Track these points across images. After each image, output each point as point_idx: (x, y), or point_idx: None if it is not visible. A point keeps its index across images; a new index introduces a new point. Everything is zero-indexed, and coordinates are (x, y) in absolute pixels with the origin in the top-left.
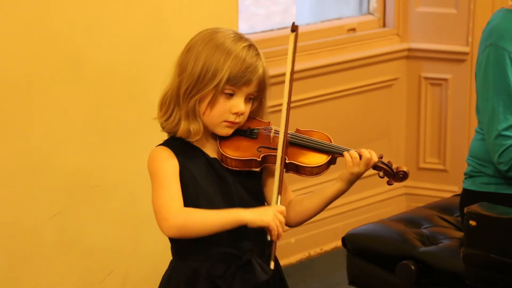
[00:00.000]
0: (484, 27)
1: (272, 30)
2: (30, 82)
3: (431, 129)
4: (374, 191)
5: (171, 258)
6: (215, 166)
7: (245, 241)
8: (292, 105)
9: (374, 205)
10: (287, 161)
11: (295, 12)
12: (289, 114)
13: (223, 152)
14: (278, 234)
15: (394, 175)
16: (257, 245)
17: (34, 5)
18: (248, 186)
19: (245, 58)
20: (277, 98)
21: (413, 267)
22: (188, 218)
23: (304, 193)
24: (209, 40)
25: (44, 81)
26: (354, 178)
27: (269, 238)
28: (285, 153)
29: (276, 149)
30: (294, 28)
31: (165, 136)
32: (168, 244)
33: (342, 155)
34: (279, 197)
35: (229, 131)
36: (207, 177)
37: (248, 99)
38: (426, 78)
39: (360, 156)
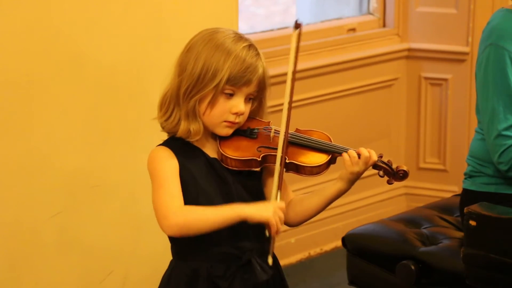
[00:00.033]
0: (484, 27)
1: (272, 30)
2: (30, 82)
3: (431, 129)
4: (374, 191)
5: (171, 258)
6: (215, 166)
7: (245, 241)
8: (292, 105)
9: (374, 205)
10: (287, 161)
11: (295, 12)
12: (291, 109)
13: (223, 152)
14: (277, 230)
15: (394, 174)
16: (257, 245)
17: (34, 5)
18: (248, 186)
19: (245, 58)
20: (277, 98)
21: (413, 267)
22: (188, 216)
23: (304, 193)
24: (209, 40)
25: (44, 81)
26: (354, 178)
27: (267, 234)
28: (285, 151)
29: (276, 148)
30: (297, 25)
31: (165, 136)
32: (168, 244)
33: (342, 154)
34: (279, 192)
35: (229, 131)
36: (207, 177)
37: (248, 99)
38: (426, 78)
39: (359, 155)
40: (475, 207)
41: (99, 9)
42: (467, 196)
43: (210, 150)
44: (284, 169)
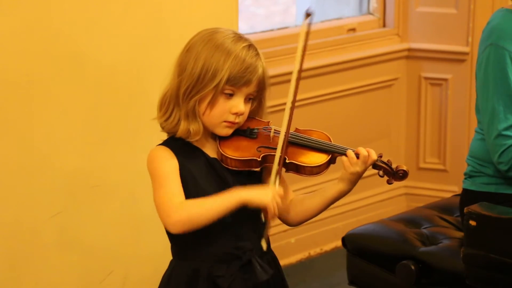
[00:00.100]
0: (484, 27)
1: (272, 30)
2: (30, 82)
3: (431, 129)
4: (374, 191)
5: (171, 258)
6: (215, 166)
7: (245, 241)
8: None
9: (374, 205)
10: (287, 161)
11: (295, 12)
12: (295, 101)
13: (223, 152)
14: (273, 215)
15: (393, 174)
16: (257, 245)
17: (34, 5)
18: (248, 186)
19: (244, 58)
20: (277, 98)
21: (413, 267)
22: (191, 210)
23: (304, 193)
24: (208, 40)
25: (44, 81)
26: (355, 178)
27: (263, 218)
28: (287, 135)
29: (276, 148)
30: (308, 14)
31: (165, 136)
32: (168, 244)
33: (342, 154)
34: (278, 177)
35: (229, 131)
36: (207, 177)
37: (247, 99)
38: (426, 78)
39: (358, 155)
40: (475, 207)
41: (99, 9)
42: (467, 196)
43: (210, 150)
44: (284, 168)
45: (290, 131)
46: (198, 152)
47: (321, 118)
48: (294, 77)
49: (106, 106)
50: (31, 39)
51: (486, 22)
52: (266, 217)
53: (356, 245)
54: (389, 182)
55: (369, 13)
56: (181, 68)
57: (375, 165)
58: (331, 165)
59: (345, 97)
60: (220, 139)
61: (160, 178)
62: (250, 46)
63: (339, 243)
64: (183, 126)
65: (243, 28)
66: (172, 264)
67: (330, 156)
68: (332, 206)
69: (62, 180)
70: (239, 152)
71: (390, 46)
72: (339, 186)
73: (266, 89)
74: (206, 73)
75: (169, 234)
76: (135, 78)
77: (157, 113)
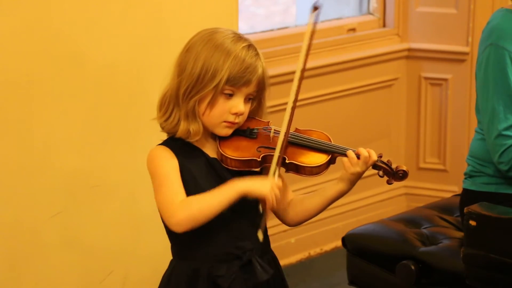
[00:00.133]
0: (484, 27)
1: (272, 30)
2: (30, 82)
3: (431, 129)
4: (374, 191)
5: (171, 258)
6: (215, 166)
7: (245, 241)
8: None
9: (374, 205)
10: (287, 161)
11: (295, 12)
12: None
13: (222, 152)
14: (271, 206)
15: (393, 174)
16: (257, 245)
17: (34, 5)
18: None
19: (244, 58)
20: (277, 98)
21: (413, 267)
22: (193, 207)
23: (304, 193)
24: (208, 40)
25: (44, 81)
26: (355, 178)
27: (261, 209)
28: (290, 125)
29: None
30: (315, 8)
31: (165, 136)
32: (168, 244)
33: (342, 154)
34: (277, 169)
35: (229, 131)
36: (207, 177)
37: (247, 99)
38: (426, 78)
39: (358, 156)
40: (475, 207)
41: (99, 9)
42: (467, 196)
43: (210, 150)
44: (284, 169)
45: (290, 131)
46: (198, 152)
47: (321, 118)
48: (297, 76)
49: (106, 106)
50: (31, 39)
51: (486, 22)
52: (264, 208)
53: (356, 245)
54: (389, 182)
55: (369, 13)
56: (180, 68)
57: (375, 165)
58: (331, 165)
59: (345, 97)
60: (220, 139)
61: (161, 177)
62: (250, 46)
63: (339, 243)
64: (183, 126)
65: (243, 28)
66: (172, 264)
67: (330, 156)
68: (332, 206)
69: (62, 180)
70: (239, 152)
71: (390, 46)
72: (339, 186)
73: (266, 89)
74: (206, 73)
75: (169, 234)
76: (135, 78)
77: (157, 113)
